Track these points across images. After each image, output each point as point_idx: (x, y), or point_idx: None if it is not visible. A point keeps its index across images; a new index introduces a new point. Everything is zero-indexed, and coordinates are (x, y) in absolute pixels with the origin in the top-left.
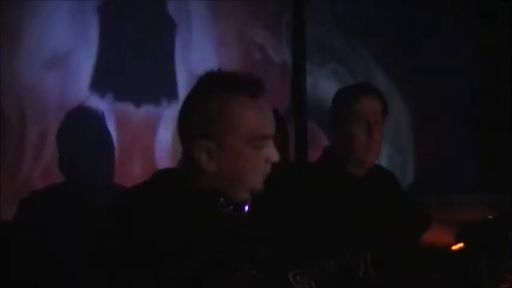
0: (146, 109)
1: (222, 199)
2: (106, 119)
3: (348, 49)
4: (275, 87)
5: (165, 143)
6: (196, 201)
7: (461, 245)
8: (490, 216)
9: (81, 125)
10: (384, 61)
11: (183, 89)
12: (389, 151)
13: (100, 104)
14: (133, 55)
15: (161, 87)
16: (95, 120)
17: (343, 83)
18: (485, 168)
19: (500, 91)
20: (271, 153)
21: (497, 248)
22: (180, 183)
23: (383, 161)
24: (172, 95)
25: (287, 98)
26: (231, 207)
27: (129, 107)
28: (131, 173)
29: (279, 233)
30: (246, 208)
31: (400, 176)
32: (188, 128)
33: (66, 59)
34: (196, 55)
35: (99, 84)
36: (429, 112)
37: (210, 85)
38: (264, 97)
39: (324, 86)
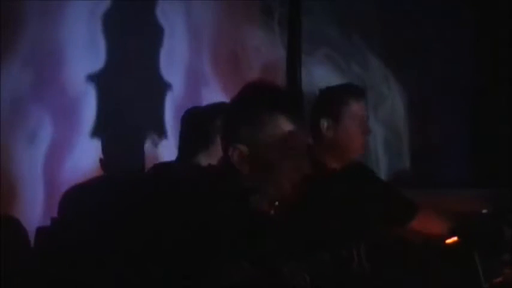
0: None
1: (256, 195)
2: None
3: (341, 35)
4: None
5: None
6: (231, 195)
7: (455, 238)
8: (485, 211)
9: None
10: (381, 50)
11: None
12: (385, 144)
13: None
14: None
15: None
16: None
17: (336, 67)
18: (481, 162)
19: (498, 86)
20: (298, 165)
21: (492, 242)
22: (217, 180)
23: (381, 156)
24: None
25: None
26: (257, 200)
27: None
28: None
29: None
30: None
31: (396, 169)
32: (229, 133)
33: None
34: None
35: None
36: (426, 105)
37: (253, 97)
38: (300, 111)
39: (317, 73)
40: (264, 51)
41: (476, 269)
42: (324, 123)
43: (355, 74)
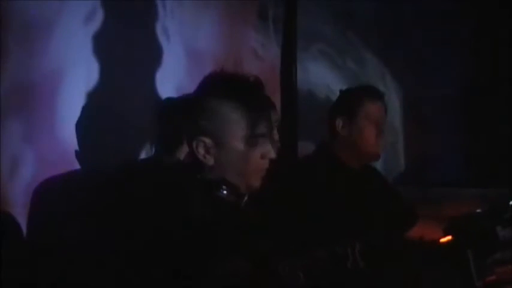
0: None
1: (223, 187)
2: None
3: (335, 31)
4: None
5: None
6: (197, 188)
7: (449, 237)
8: (478, 210)
9: None
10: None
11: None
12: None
13: None
14: None
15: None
16: None
17: (331, 63)
18: (475, 162)
19: (496, 85)
20: (267, 150)
21: (485, 241)
22: (185, 173)
23: None
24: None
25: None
26: (224, 191)
27: None
28: None
29: (274, 225)
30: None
31: (390, 169)
32: (190, 126)
33: None
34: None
35: None
36: (419, 106)
37: (210, 87)
38: (261, 97)
39: (312, 69)
40: (260, 53)
41: (469, 267)
42: (340, 122)
43: (351, 70)
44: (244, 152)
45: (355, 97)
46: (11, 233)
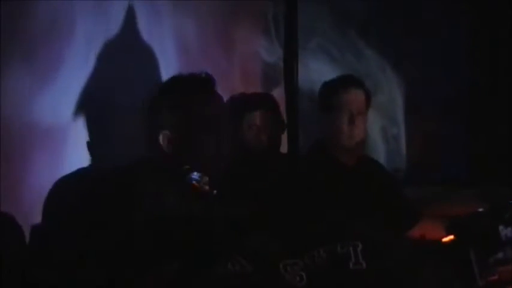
0: None
1: (186, 166)
2: None
3: (335, 26)
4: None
5: None
6: (167, 175)
7: (451, 237)
8: (481, 209)
9: None
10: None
11: None
12: (381, 143)
13: None
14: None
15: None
16: None
17: (330, 57)
18: (478, 161)
19: (497, 84)
20: (222, 139)
21: (487, 241)
22: (150, 164)
23: (377, 152)
24: None
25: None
26: (206, 178)
27: None
28: None
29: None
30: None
31: (392, 167)
32: (154, 122)
33: None
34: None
35: None
36: (422, 102)
37: (167, 88)
38: (210, 88)
39: (312, 65)
40: (262, 54)
41: (471, 267)
42: (320, 116)
43: (350, 63)
44: (198, 138)
45: (329, 88)
46: (11, 233)
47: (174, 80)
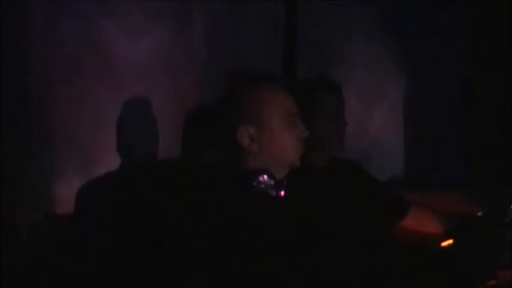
0: None
1: (265, 176)
2: None
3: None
4: None
5: None
6: (242, 180)
7: (450, 241)
8: (479, 213)
9: None
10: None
11: None
12: (378, 145)
13: None
14: None
15: None
16: None
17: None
18: (477, 163)
19: (492, 84)
20: (301, 129)
21: (487, 245)
22: (225, 165)
23: (375, 155)
24: None
25: None
26: (273, 182)
27: None
28: None
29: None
30: (282, 193)
31: (389, 168)
32: (231, 117)
33: None
34: None
35: None
36: (418, 102)
37: (243, 81)
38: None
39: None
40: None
41: (470, 271)
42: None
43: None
44: (286, 133)
45: (308, 92)
46: (10, 233)
47: (246, 74)
